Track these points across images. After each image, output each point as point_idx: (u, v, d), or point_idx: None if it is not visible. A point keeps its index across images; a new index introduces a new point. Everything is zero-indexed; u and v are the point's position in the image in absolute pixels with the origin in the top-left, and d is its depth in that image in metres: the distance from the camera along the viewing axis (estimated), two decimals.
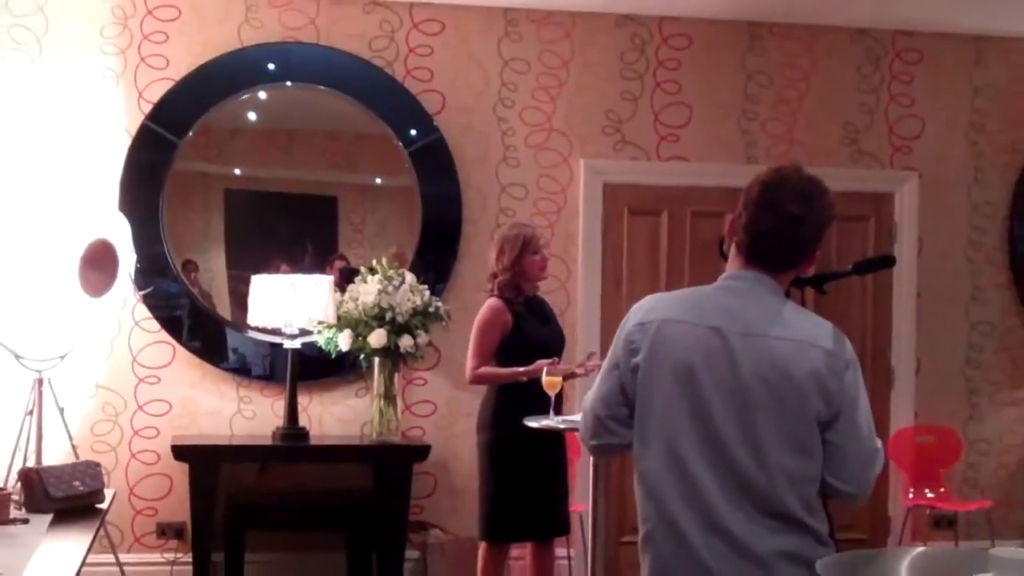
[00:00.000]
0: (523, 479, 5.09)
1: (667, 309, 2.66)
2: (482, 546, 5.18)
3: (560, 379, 4.79)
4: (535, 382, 4.83)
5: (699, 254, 6.61)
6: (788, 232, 2.59)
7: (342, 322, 5.98)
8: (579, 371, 5.12)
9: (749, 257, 2.65)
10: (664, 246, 6.68)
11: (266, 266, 6.16)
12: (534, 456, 5.07)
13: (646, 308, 2.70)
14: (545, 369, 4.82)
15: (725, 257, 2.73)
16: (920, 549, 3.07)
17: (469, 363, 5.20)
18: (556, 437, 5.09)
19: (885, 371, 6.95)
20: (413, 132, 6.37)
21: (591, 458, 4.72)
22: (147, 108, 6.13)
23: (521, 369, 5.02)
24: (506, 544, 5.20)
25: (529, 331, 5.18)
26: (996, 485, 7.08)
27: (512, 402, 5.00)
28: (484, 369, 5.15)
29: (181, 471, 5.94)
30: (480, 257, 6.46)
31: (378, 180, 6.61)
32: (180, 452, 5.85)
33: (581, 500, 5.71)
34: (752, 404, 2.53)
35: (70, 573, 2.88)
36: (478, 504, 5.21)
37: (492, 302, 5.22)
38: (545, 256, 5.27)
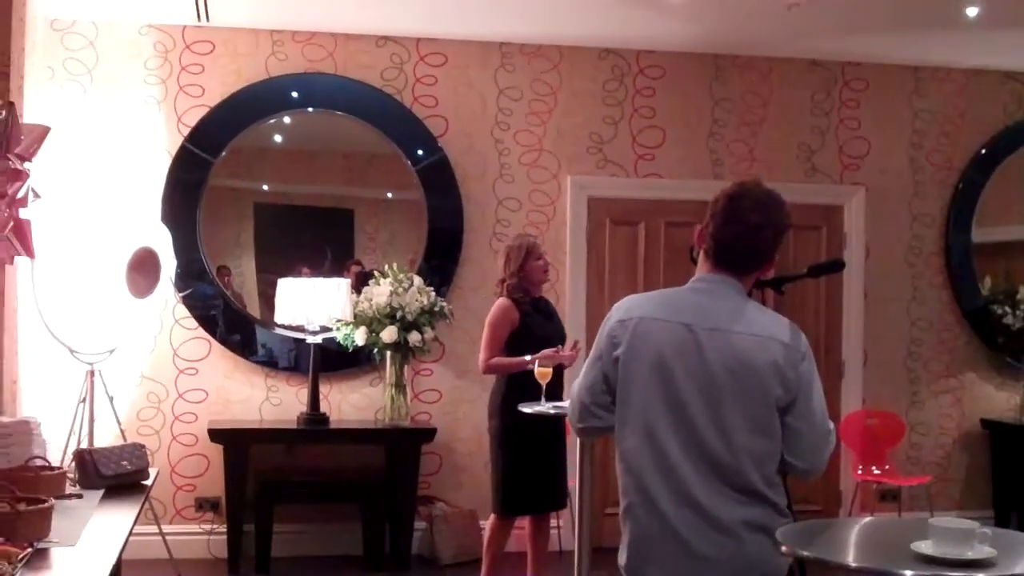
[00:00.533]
0: (529, 459, 5.06)
1: (644, 308, 2.66)
2: (492, 518, 5.16)
3: (550, 370, 4.78)
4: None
5: (672, 259, 6.60)
6: (750, 239, 2.60)
7: (358, 320, 5.99)
8: (565, 360, 5.11)
9: (716, 262, 2.65)
10: (641, 252, 6.68)
11: (291, 271, 6.15)
12: (537, 439, 5.04)
13: (626, 307, 2.70)
14: (536, 362, 4.82)
15: (695, 262, 2.73)
16: (868, 519, 3.08)
17: (482, 355, 5.20)
18: (556, 421, 5.10)
19: (836, 362, 6.94)
20: (420, 152, 6.37)
21: (578, 439, 4.74)
22: (185, 131, 6.14)
23: (528, 358, 5.02)
24: (514, 517, 5.20)
25: (533, 327, 5.18)
26: (934, 463, 7.05)
27: (517, 391, 4.99)
28: (495, 360, 5.16)
29: (216, 452, 5.98)
30: (479, 262, 6.49)
31: (389, 194, 6.61)
32: (215, 435, 5.88)
33: (571, 476, 5.72)
34: (719, 391, 2.53)
35: (119, 541, 2.88)
36: (491, 482, 5.19)
37: (501, 302, 5.22)
38: (547, 262, 5.26)
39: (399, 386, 6.05)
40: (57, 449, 5.49)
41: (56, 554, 2.67)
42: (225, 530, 5.84)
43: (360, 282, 6.19)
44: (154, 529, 5.82)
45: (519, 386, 4.99)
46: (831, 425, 2.64)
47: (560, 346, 5.04)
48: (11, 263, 4.39)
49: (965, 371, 7.09)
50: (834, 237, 6.95)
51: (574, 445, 4.95)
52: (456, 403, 6.45)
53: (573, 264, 6.58)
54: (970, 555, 2.17)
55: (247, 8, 5.94)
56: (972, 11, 5.83)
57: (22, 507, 2.74)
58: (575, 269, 6.59)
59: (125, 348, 5.86)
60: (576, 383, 2.79)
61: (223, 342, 6.20)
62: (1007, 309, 6.97)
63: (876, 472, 6.74)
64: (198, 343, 6.20)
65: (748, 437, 2.52)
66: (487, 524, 5.21)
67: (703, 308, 2.60)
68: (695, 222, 2.74)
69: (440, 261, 6.42)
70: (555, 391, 4.86)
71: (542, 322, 5.24)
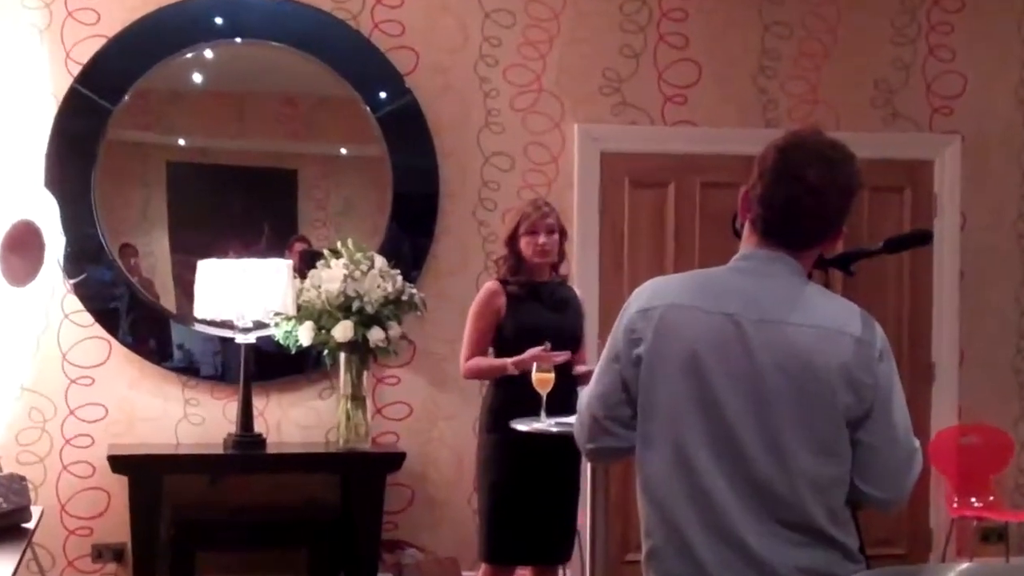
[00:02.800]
0: (527, 491, 5.11)
1: (673, 294, 2.68)
2: (482, 568, 5.20)
3: (551, 376, 4.79)
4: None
5: (710, 231, 6.59)
6: (808, 204, 2.60)
7: (303, 313, 5.98)
8: (551, 360, 5.08)
9: (765, 234, 2.66)
10: (670, 222, 6.69)
11: (215, 250, 6.08)
12: (537, 465, 5.08)
13: (649, 293, 2.71)
14: (536, 364, 4.83)
15: (739, 234, 2.75)
16: (966, 565, 3.07)
17: (461, 356, 5.25)
18: (561, 442, 5.10)
19: (924, 364, 6.96)
20: (382, 95, 6.36)
21: (588, 465, 4.75)
22: (76, 70, 6.09)
23: (509, 360, 5.03)
24: (510, 566, 5.23)
25: (522, 317, 5.20)
26: None
27: (511, 403, 5.02)
28: (473, 361, 5.19)
29: (119, 485, 5.93)
30: (459, 237, 6.51)
31: (343, 150, 6.60)
32: (118, 463, 5.84)
33: (581, 513, 5.74)
34: (771, 400, 2.54)
35: None
36: (478, 521, 5.24)
37: (487, 284, 5.31)
38: (540, 239, 5.23)
39: (357, 398, 6.05)
40: None
41: None
42: None
43: (306, 264, 6.17)
44: None
45: (515, 396, 5.01)
46: (916, 443, 2.66)
47: (548, 343, 5.03)
48: None
49: None
50: (921, 201, 6.97)
51: (585, 473, 4.98)
52: (431, 419, 6.45)
53: (582, 239, 6.55)
54: None
55: None
56: None
57: None
58: (585, 246, 6.57)
59: None
60: (585, 392, 2.82)
61: (127, 343, 6.17)
62: None
63: (976, 505, 6.77)
64: (94, 344, 6.16)
65: (809, 459, 2.54)
66: None
67: (750, 294, 2.62)
68: (740, 183, 2.75)
69: (409, 236, 6.42)
70: (561, 402, 4.86)
71: (540, 312, 5.24)
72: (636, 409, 2.67)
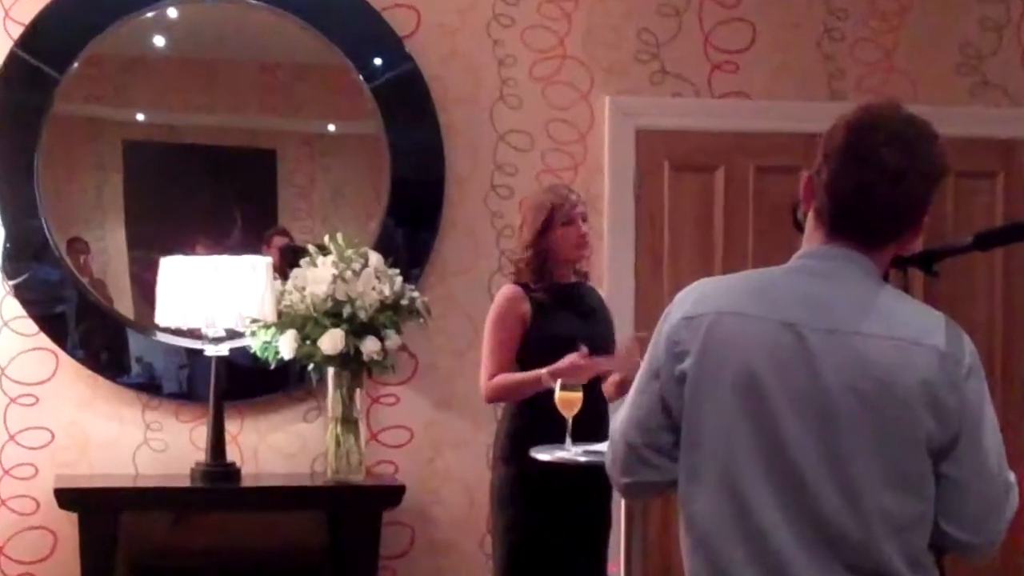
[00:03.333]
0: (549, 532, 5.14)
1: (724, 298, 2.69)
2: None
3: (577, 395, 4.80)
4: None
5: (767, 224, 6.61)
6: (884, 192, 2.59)
7: (284, 320, 5.98)
8: (604, 368, 5.10)
9: (833, 227, 2.66)
10: (719, 213, 6.69)
11: (180, 245, 6.10)
12: (562, 501, 5.11)
13: (695, 297, 2.72)
14: (559, 382, 4.83)
15: (801, 228, 2.75)
16: None
17: (482, 374, 5.25)
18: (590, 475, 5.11)
19: (1020, 381, 6.96)
20: (377, 61, 6.37)
21: (622, 501, 4.75)
22: (16, 31, 6.08)
23: (544, 370, 5.03)
24: None
25: (552, 325, 5.25)
26: None
27: (532, 427, 5.07)
28: (500, 378, 5.19)
29: (68, 523, 5.92)
30: (470, 230, 6.50)
31: (331, 127, 6.64)
32: (66, 498, 5.83)
33: (612, 559, 5.73)
34: (840, 425, 2.54)
35: None
36: (493, 567, 5.29)
37: (506, 290, 5.35)
38: (582, 229, 5.31)
39: (348, 421, 6.05)
40: None
41: None
42: None
43: (287, 262, 6.18)
44: None
45: (536, 420, 5.06)
46: (1012, 477, 2.65)
47: (585, 349, 5.04)
48: None
49: None
50: (1015, 188, 6.96)
51: (618, 511, 4.98)
52: (435, 447, 6.44)
53: (614, 233, 6.57)
54: None
55: None
56: None
57: None
58: (617, 241, 6.58)
59: None
60: (618, 416, 2.82)
61: (77, 355, 6.15)
62: None
63: None
64: (38, 357, 6.15)
65: (884, 495, 2.53)
66: None
67: (815, 299, 2.62)
68: (802, 167, 2.75)
69: (410, 230, 6.43)
70: (590, 427, 4.87)
71: (569, 320, 5.26)
72: (679, 436, 2.67)
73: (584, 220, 5.37)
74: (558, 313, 5.28)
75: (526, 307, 5.25)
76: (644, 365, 2.75)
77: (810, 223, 2.71)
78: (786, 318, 2.60)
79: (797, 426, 2.56)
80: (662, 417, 2.68)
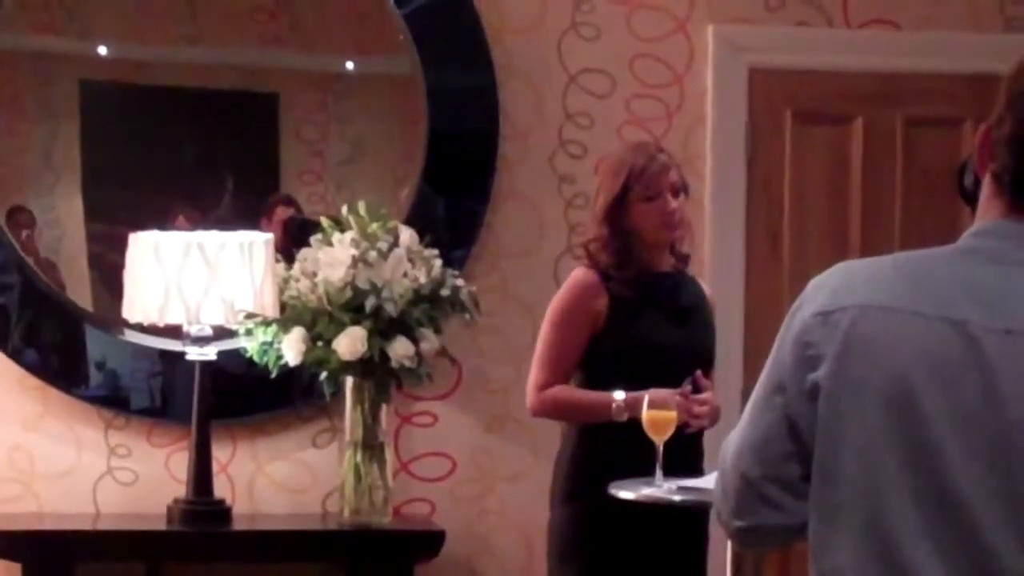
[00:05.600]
0: None
1: (870, 288, 2.61)
2: None
3: (672, 414, 4.81)
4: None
5: (919, 192, 6.64)
6: None
7: (289, 315, 5.98)
8: (693, 413, 5.09)
9: (1018, 196, 2.61)
10: (856, 177, 6.73)
11: (154, 216, 6.16)
12: (644, 549, 5.14)
13: (833, 286, 2.64)
14: (647, 399, 4.83)
15: (969, 197, 2.69)
16: None
17: (532, 377, 5.23)
18: (686, 519, 5.11)
19: None
20: None
21: (729, 548, 4.75)
22: None
23: (617, 396, 5.02)
24: None
25: (635, 330, 5.21)
26: None
27: (607, 451, 5.04)
28: (556, 390, 5.18)
29: (10, 575, 5.99)
30: (531, 199, 6.50)
31: (349, 65, 6.66)
32: (6, 544, 5.89)
33: None
34: (1022, 454, 2.49)
35: None
36: None
37: (578, 275, 5.30)
38: (670, 205, 5.25)
39: (371, 447, 6.06)
40: None
41: None
42: None
43: (294, 240, 6.21)
44: None
45: (612, 445, 5.02)
46: None
47: (697, 374, 5.04)
48: None
49: None
50: None
51: (722, 563, 4.99)
52: (485, 481, 6.48)
53: (717, 204, 6.62)
54: None
55: None
56: None
57: None
58: (721, 214, 6.62)
59: None
60: (730, 440, 2.74)
61: (21, 359, 6.23)
62: None
63: None
64: None
65: None
66: None
67: (991, 290, 2.53)
68: (966, 117, 2.73)
69: (453, 199, 6.48)
70: (685, 457, 4.87)
71: (659, 324, 5.24)
72: (810, 467, 2.61)
73: (676, 193, 5.29)
74: (644, 313, 5.24)
75: (602, 302, 5.21)
76: (764, 377, 2.68)
77: (986, 191, 2.62)
78: (952, 314, 2.52)
79: (964, 455, 2.48)
80: (788, 442, 2.62)
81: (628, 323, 5.20)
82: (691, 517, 5.06)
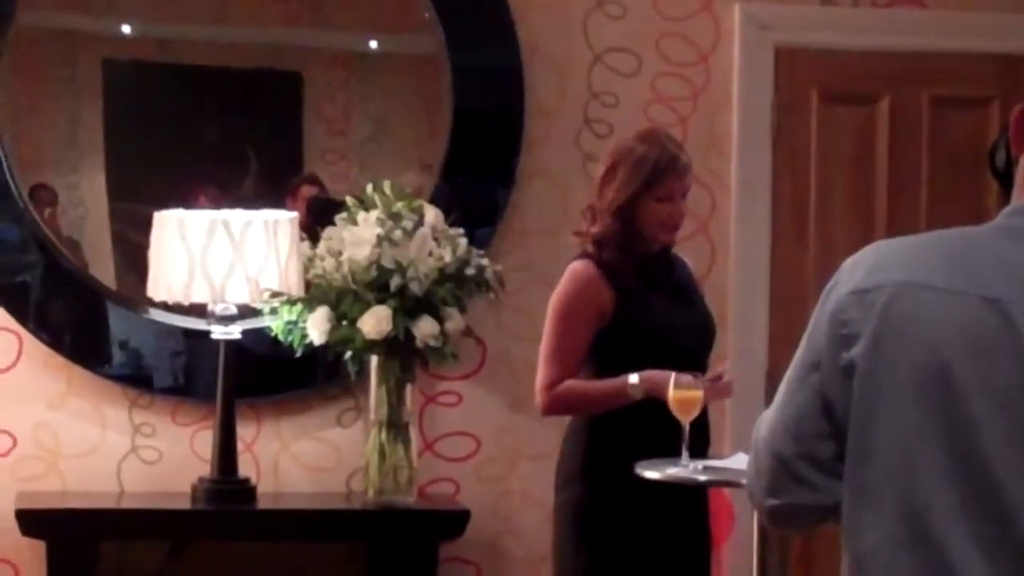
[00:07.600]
0: (630, 568, 5.13)
1: (906, 266, 2.62)
2: None
3: (698, 393, 4.80)
4: (658, 404, 4.88)
5: (947, 172, 6.63)
6: None
7: (313, 294, 6.00)
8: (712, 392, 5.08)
9: None
10: (883, 158, 6.72)
11: (178, 195, 6.17)
12: (666, 534, 5.16)
13: (869, 265, 2.66)
14: (673, 378, 4.82)
15: (1002, 178, 2.70)
16: None
17: (540, 375, 5.21)
18: (694, 498, 5.10)
19: None
20: None
21: (756, 530, 4.74)
22: None
23: (633, 379, 5.00)
24: None
25: (643, 317, 5.22)
26: None
27: (617, 435, 5.03)
28: (568, 385, 5.16)
29: (32, 555, 6.02)
30: (557, 178, 6.51)
31: (373, 44, 6.67)
32: (30, 521, 5.91)
33: None
34: None
35: None
36: None
37: (579, 269, 5.27)
38: (681, 207, 5.25)
39: (395, 427, 6.07)
40: None
41: None
42: None
43: (317, 219, 6.21)
44: None
45: (629, 423, 5.05)
46: None
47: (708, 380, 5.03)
48: None
49: None
50: None
51: (742, 542, 4.97)
52: (509, 460, 6.51)
53: (743, 184, 6.64)
54: None
55: None
56: None
57: None
58: (747, 195, 6.64)
59: None
60: (764, 419, 2.77)
61: (43, 337, 6.25)
62: None
63: None
64: None
65: None
66: None
67: None
68: (995, 97, 2.72)
69: (477, 178, 6.48)
70: (702, 436, 4.86)
71: (663, 306, 5.23)
72: (844, 446, 2.62)
73: (685, 195, 5.30)
74: (648, 297, 5.23)
75: (607, 295, 5.20)
76: (799, 355, 2.69)
77: (1021, 172, 2.64)
78: (989, 292, 2.54)
79: (999, 434, 2.50)
80: (822, 421, 2.64)
81: (637, 312, 5.21)
82: (698, 496, 5.06)
